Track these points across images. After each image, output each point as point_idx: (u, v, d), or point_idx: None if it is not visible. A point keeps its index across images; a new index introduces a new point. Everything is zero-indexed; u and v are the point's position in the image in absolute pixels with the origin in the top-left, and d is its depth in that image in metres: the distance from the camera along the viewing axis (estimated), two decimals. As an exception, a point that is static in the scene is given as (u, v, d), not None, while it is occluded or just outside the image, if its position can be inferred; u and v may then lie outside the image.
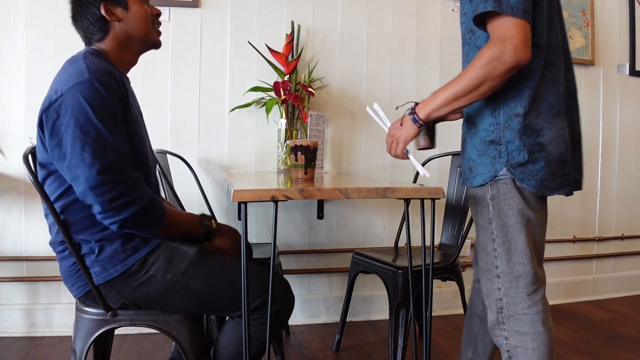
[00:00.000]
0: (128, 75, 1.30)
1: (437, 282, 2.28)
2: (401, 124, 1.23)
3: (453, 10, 2.61)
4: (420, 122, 1.19)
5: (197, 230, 1.26)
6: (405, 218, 1.29)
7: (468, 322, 1.55)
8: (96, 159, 1.04)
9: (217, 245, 1.29)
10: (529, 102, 1.14)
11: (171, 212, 1.20)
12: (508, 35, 1.03)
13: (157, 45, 1.31)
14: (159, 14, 1.30)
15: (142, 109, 1.36)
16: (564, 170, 1.19)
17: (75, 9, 1.23)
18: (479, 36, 1.19)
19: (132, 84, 1.32)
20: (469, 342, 1.54)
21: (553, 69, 1.17)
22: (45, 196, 1.14)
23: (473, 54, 1.20)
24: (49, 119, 1.08)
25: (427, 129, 1.24)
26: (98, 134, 1.05)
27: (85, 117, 1.05)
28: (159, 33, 1.31)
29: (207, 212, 2.13)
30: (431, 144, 1.27)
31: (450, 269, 1.87)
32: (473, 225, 1.33)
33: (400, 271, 1.75)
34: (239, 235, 1.32)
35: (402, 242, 2.24)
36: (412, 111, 1.20)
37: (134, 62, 1.30)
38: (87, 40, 1.26)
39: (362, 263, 1.98)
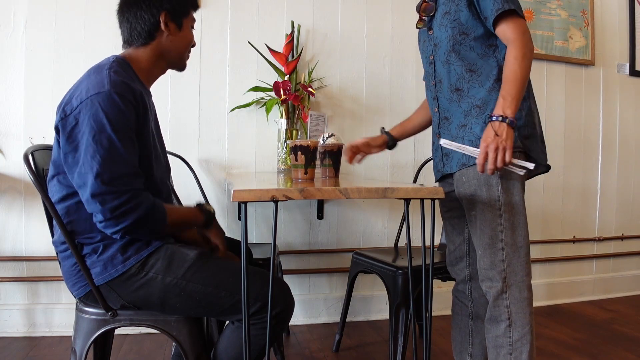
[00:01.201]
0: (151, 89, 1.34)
1: (437, 282, 2.28)
2: (497, 134, 1.22)
3: (453, 10, 2.61)
4: (515, 122, 1.24)
5: (199, 218, 1.27)
6: (406, 218, 1.29)
7: (458, 327, 1.59)
8: (104, 169, 1.06)
9: (215, 235, 1.32)
10: (529, 87, 1.37)
11: (171, 211, 1.20)
12: (525, 29, 1.28)
13: (183, 68, 1.36)
14: (195, 45, 1.35)
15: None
16: (544, 147, 1.41)
17: (138, 3, 1.23)
18: (474, 37, 1.36)
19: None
20: (464, 346, 1.58)
21: None
22: (47, 196, 1.14)
23: (466, 52, 1.37)
24: (67, 125, 1.10)
25: None
26: (110, 145, 1.07)
27: (100, 128, 1.07)
28: (188, 58, 1.36)
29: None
30: None
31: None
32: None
33: (400, 271, 1.74)
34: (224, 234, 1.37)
35: (402, 242, 2.24)
36: (501, 117, 1.23)
37: (161, 73, 1.34)
38: (128, 40, 1.26)
39: (362, 263, 1.98)
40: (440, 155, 1.50)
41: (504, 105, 1.23)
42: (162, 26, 1.23)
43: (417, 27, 1.54)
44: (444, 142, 1.37)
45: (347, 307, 2.10)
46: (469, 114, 1.38)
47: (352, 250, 2.13)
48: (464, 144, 1.36)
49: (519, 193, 1.35)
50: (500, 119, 1.22)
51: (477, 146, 1.30)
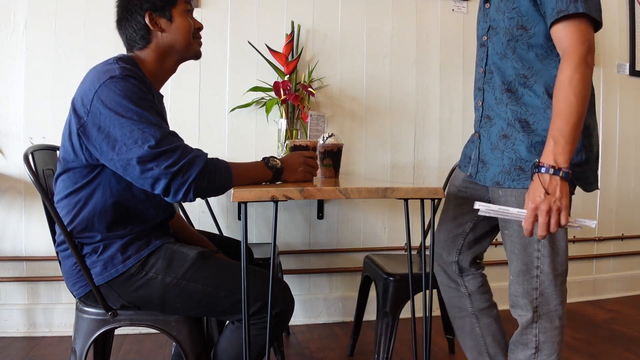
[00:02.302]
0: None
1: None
2: (547, 192, 1.01)
3: (453, 10, 2.61)
4: (570, 172, 1.02)
5: (266, 174, 1.21)
6: (406, 218, 1.29)
7: (463, 330, 1.46)
8: (145, 136, 1.05)
9: (290, 181, 1.26)
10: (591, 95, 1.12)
11: (235, 166, 1.16)
12: (588, 39, 1.04)
13: (197, 56, 1.32)
14: (201, 27, 1.32)
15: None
16: (597, 165, 1.20)
17: (121, 14, 1.25)
18: (534, 33, 1.13)
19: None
20: (479, 350, 1.43)
21: None
22: (47, 196, 1.14)
23: (523, 51, 1.15)
24: (93, 117, 1.08)
25: None
26: (139, 116, 1.07)
27: (124, 106, 1.07)
28: (200, 44, 1.33)
29: (210, 209, 2.13)
30: None
31: None
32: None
33: (391, 278, 1.68)
34: (301, 155, 1.28)
35: (410, 243, 2.24)
36: (553, 169, 1.01)
37: (173, 70, 1.32)
38: (129, 47, 1.27)
39: (366, 267, 1.96)
40: (476, 156, 1.30)
41: (556, 152, 1.00)
42: (151, 26, 1.22)
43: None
44: (481, 208, 1.08)
45: (361, 310, 2.04)
46: (513, 125, 1.19)
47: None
48: (502, 159, 1.19)
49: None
50: (551, 171, 1.00)
51: (516, 165, 1.15)
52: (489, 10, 1.23)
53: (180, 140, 1.11)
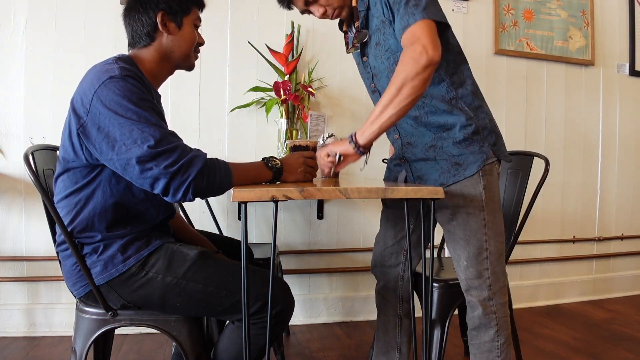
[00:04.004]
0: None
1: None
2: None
3: (453, 10, 2.61)
4: (360, 148, 1.25)
5: (266, 175, 1.21)
6: (406, 218, 1.29)
7: (385, 328, 1.58)
8: (145, 135, 1.05)
9: (290, 181, 1.26)
10: (479, 93, 1.37)
11: (235, 166, 1.16)
12: (417, 38, 1.17)
13: (191, 68, 1.34)
14: (202, 43, 1.34)
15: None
16: (503, 142, 1.41)
17: (133, 4, 1.24)
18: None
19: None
20: (391, 345, 1.58)
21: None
22: (47, 196, 1.14)
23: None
24: (92, 117, 1.09)
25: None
26: (139, 116, 1.07)
27: (123, 105, 1.07)
28: (197, 58, 1.35)
29: (211, 209, 2.13)
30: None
31: None
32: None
33: (435, 285, 1.57)
34: (301, 156, 1.29)
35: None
36: (352, 138, 1.25)
37: (170, 73, 1.33)
38: (131, 42, 1.27)
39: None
40: (411, 176, 1.45)
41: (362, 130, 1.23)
42: (160, 26, 1.22)
43: (348, 52, 1.48)
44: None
45: None
46: (436, 134, 1.34)
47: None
48: (437, 163, 1.36)
49: (498, 198, 1.36)
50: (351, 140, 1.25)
51: (452, 162, 1.34)
52: (368, 62, 1.40)
53: (180, 140, 1.11)
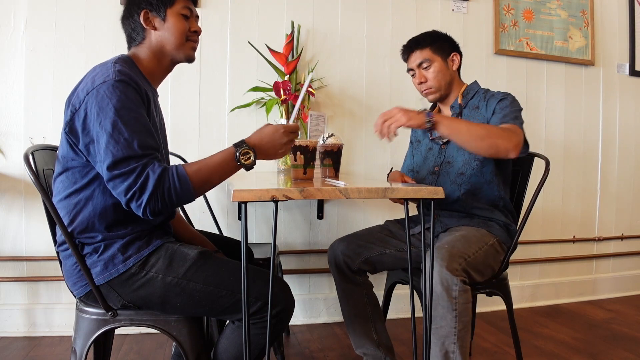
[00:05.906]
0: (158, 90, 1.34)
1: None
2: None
3: (453, 10, 2.61)
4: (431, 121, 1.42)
5: (237, 169, 1.16)
6: (406, 218, 1.29)
7: (351, 295, 1.72)
8: (108, 155, 1.06)
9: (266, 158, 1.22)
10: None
11: (198, 171, 1.11)
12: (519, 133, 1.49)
13: (189, 59, 1.32)
14: (197, 31, 1.31)
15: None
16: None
17: (124, 10, 1.29)
18: (482, 162, 1.62)
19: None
20: (367, 327, 1.69)
21: None
22: (47, 196, 1.14)
23: (476, 178, 1.63)
24: (79, 118, 1.11)
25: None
26: (114, 130, 1.07)
27: (106, 114, 1.08)
28: (194, 48, 1.32)
29: (211, 209, 2.13)
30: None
31: (495, 284, 1.57)
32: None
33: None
34: (277, 132, 1.21)
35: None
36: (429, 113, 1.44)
37: (169, 70, 1.33)
38: (129, 43, 1.30)
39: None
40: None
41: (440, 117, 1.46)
42: (144, 24, 1.24)
43: (432, 139, 1.75)
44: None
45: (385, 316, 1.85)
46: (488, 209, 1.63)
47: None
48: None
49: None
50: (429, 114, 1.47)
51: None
52: (446, 149, 1.67)
53: (146, 159, 1.07)
